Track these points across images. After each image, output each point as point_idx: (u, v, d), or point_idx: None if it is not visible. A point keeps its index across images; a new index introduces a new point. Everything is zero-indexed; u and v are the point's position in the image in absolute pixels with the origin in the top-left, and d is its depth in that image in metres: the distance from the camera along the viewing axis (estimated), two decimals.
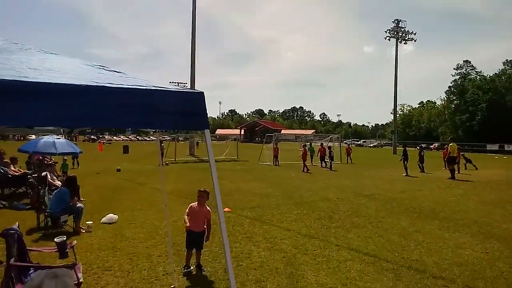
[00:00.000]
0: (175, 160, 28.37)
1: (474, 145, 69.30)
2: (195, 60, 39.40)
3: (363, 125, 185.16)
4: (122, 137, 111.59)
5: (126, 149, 38.29)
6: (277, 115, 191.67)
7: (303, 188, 14.54)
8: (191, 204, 5.69)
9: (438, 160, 27.66)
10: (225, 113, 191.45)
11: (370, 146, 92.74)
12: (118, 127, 3.23)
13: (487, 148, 67.81)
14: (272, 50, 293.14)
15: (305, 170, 22.04)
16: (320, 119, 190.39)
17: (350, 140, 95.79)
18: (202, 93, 3.01)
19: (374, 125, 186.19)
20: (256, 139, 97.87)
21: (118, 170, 19.93)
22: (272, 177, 18.65)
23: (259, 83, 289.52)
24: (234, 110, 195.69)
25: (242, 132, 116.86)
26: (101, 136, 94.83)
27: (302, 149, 24.48)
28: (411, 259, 6.25)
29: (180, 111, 2.80)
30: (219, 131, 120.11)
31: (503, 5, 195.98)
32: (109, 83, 2.51)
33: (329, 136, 41.28)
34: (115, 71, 3.16)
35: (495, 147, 67.66)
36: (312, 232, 7.87)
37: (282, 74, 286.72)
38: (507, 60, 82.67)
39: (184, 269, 5.50)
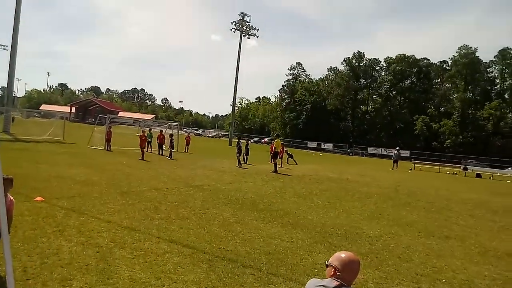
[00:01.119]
0: None
1: (298, 141, 78.02)
2: (19, 18, 34.13)
3: (204, 114, 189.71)
4: None
5: None
6: (116, 95, 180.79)
7: (133, 177, 14.03)
8: None
9: (266, 154, 30.15)
10: (54, 87, 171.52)
11: (209, 136, 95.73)
12: None
13: (308, 145, 77.18)
14: (116, 23, 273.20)
15: (142, 158, 21.32)
16: (161, 104, 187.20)
17: (190, 128, 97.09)
18: None
19: (214, 116, 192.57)
20: (90, 119, 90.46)
21: None
22: (100, 163, 17.46)
23: (97, 57, 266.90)
24: (65, 84, 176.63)
25: (73, 111, 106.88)
26: None
27: (141, 134, 23.64)
28: (226, 249, 6.60)
29: None
30: (44, 107, 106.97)
31: (333, 16, 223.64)
32: None
33: (168, 123, 40.99)
34: None
35: (314, 144, 77.51)
36: (134, 224, 7.62)
37: (124, 51, 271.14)
38: (330, 67, 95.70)
39: None
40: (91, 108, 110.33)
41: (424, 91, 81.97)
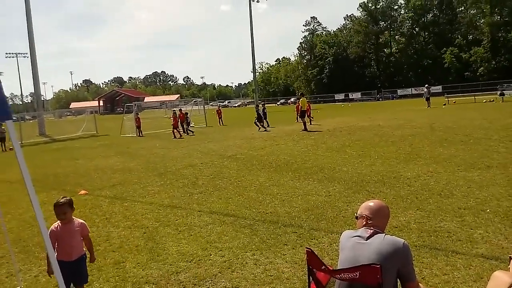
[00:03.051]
0: (21, 142, 25.16)
1: (325, 96, 76.88)
2: (32, 23, 34.64)
3: (227, 85, 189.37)
4: None
5: None
6: (139, 82, 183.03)
7: (168, 157, 14.38)
8: (52, 226, 3.91)
9: (294, 114, 29.91)
10: (79, 84, 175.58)
11: (235, 106, 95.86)
12: None
13: (336, 98, 75.98)
14: (123, 11, 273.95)
15: (177, 137, 22.05)
16: (184, 83, 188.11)
17: (216, 101, 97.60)
18: None
19: (237, 85, 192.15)
20: (118, 109, 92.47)
21: None
22: (135, 149, 17.96)
23: (114, 48, 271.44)
24: (89, 80, 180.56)
25: (101, 104, 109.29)
26: None
27: (173, 116, 24.12)
28: (266, 212, 6.74)
29: None
30: (74, 105, 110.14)
31: None
32: None
33: (193, 100, 41.29)
34: None
35: (342, 96, 76.15)
36: (175, 201, 7.88)
37: (138, 37, 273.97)
38: (347, 15, 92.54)
39: None
40: (118, 98, 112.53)
41: (449, 22, 77.90)
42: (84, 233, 4.05)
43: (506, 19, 68.93)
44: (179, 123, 24.97)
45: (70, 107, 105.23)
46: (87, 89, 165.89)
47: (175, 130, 22.81)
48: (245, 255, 4.97)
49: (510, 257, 2.22)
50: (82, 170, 12.81)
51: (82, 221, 4.12)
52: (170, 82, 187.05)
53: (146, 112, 56.10)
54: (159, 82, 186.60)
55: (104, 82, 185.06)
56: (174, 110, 25.67)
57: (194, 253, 5.15)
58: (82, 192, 9.22)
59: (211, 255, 5.07)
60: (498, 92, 38.10)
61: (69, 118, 58.01)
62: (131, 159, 14.72)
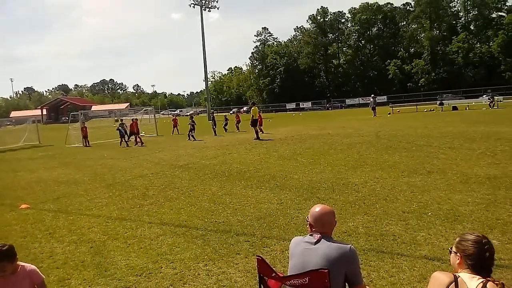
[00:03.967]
0: None
1: (276, 105, 78.05)
2: None
3: (179, 94, 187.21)
4: None
5: None
6: (85, 90, 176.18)
7: (116, 168, 13.91)
8: None
9: (246, 123, 30.08)
10: (20, 92, 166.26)
11: (187, 115, 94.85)
12: None
13: (287, 107, 77.26)
14: (70, 16, 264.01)
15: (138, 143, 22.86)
16: (134, 91, 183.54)
17: (171, 110, 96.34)
18: None
19: (189, 94, 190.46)
20: (63, 118, 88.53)
21: None
22: (81, 160, 17.23)
23: (59, 54, 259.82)
24: (31, 88, 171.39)
25: (45, 112, 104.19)
26: None
27: (132, 123, 24.32)
28: (218, 222, 6.69)
29: None
30: (14, 114, 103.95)
31: None
32: None
33: (143, 109, 40.42)
34: None
35: (293, 105, 77.59)
36: (124, 213, 7.63)
37: (86, 43, 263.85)
38: (297, 26, 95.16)
39: None
40: (63, 107, 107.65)
41: (392, 36, 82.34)
42: (36, 282, 3.21)
43: (445, 33, 73.99)
44: (128, 132, 24.37)
45: (10, 116, 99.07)
46: (29, 97, 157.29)
47: (137, 137, 23.19)
48: (197, 266, 4.89)
49: (449, 250, 2.34)
50: (23, 182, 12.09)
51: (32, 267, 3.24)
52: (119, 90, 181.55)
53: (94, 121, 54.07)
54: (107, 90, 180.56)
55: (48, 90, 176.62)
56: (133, 119, 25.22)
57: (144, 267, 5.00)
58: (23, 206, 8.70)
59: (162, 267, 4.94)
60: (438, 102, 40.55)
61: (8, 128, 54.61)
62: (77, 170, 14.09)
